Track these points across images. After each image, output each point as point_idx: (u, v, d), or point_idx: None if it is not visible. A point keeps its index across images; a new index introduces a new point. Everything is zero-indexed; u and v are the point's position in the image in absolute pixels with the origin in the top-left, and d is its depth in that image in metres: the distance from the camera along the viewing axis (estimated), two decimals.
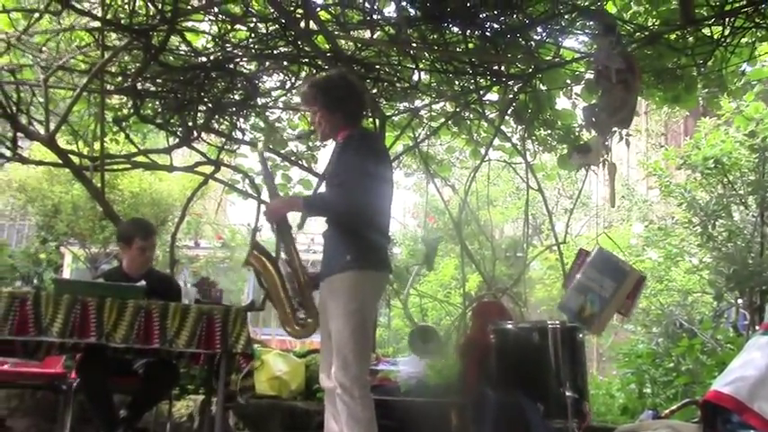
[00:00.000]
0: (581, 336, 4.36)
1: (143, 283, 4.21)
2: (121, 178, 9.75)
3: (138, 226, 4.85)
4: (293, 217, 3.65)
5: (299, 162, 6.72)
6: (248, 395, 3.96)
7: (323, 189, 3.79)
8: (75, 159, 5.97)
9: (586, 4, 4.87)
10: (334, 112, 3.49)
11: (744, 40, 4.75)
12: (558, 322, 4.29)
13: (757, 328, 4.68)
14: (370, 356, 3.42)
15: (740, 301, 6.69)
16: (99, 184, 5.76)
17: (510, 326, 4.44)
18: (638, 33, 4.86)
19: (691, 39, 4.76)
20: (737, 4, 4.40)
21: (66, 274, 11.96)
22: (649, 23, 4.84)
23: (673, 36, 4.74)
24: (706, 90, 5.35)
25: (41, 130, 5.56)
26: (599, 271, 4.07)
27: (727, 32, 4.60)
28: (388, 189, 3.50)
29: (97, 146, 5.84)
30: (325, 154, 7.04)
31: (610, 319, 4.09)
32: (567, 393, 3.93)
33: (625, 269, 4.17)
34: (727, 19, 4.50)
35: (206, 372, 4.63)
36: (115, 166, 6.91)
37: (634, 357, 6.45)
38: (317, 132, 3.64)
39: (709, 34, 4.75)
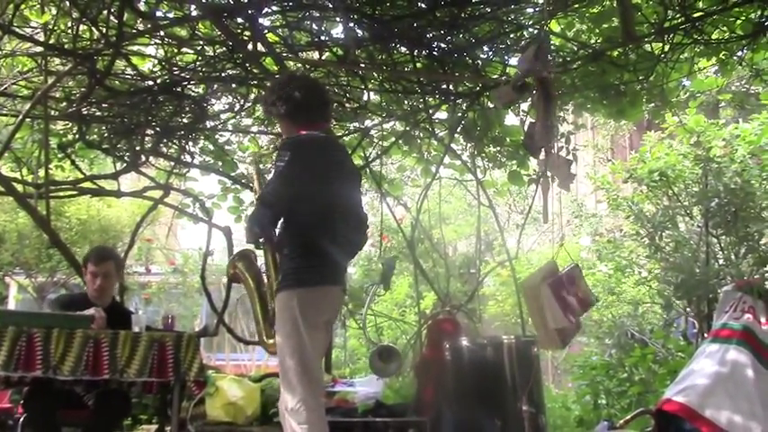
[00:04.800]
0: (535, 350, 4.40)
1: (92, 311, 4.11)
2: (68, 205, 9.56)
3: (93, 251, 4.73)
4: None
5: (251, 185, 6.67)
6: (199, 423, 3.89)
7: None
8: (19, 187, 5.83)
9: (530, 23, 4.96)
10: (282, 118, 3.41)
11: (683, 56, 4.89)
12: (512, 337, 4.33)
13: (706, 335, 4.78)
14: (318, 377, 3.30)
15: (689, 309, 6.82)
16: (44, 212, 5.63)
17: (465, 342, 4.45)
18: (581, 51, 4.97)
19: (633, 55, 4.87)
20: (676, 21, 4.53)
21: (12, 304, 11.64)
22: (592, 41, 4.95)
23: (615, 53, 4.85)
24: (652, 104, 5.48)
25: None
26: None
27: (667, 48, 4.73)
28: (336, 196, 3.28)
29: (42, 173, 5.71)
30: None
31: (551, 330, 4.06)
32: (524, 408, 3.96)
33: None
34: (666, 35, 4.63)
35: (159, 400, 4.53)
36: (61, 193, 6.78)
37: (588, 369, 6.52)
38: None
39: (650, 50, 4.88)
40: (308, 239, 3.19)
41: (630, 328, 7.22)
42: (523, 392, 4.11)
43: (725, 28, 4.67)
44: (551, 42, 4.40)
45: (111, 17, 4.52)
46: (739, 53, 4.97)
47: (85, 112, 5.75)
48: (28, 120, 5.54)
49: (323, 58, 5.33)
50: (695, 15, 4.47)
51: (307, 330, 3.11)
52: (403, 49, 5.22)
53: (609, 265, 8.12)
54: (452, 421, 4.27)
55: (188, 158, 6.56)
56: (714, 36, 4.72)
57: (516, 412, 4.07)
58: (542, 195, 3.82)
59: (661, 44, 4.74)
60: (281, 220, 3.22)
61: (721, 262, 6.42)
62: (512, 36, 5.06)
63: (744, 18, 4.54)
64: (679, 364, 5.24)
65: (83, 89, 5.46)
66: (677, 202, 6.70)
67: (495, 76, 5.32)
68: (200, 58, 5.39)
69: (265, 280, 3.46)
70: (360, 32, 5.02)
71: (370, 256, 9.89)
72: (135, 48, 5.38)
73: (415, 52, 5.14)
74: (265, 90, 3.51)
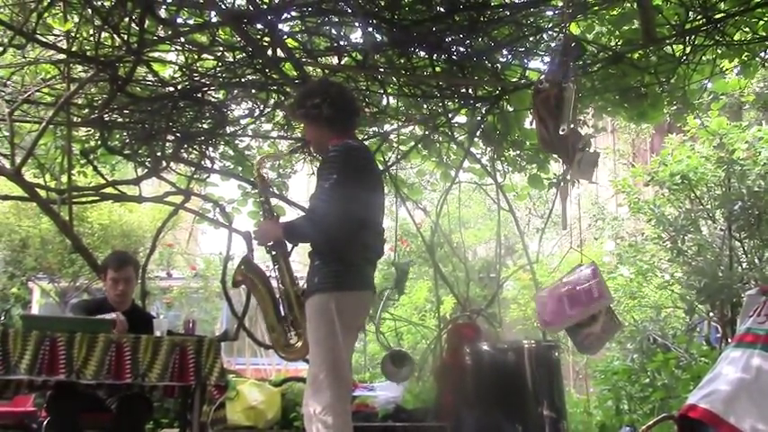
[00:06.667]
0: (557, 354, 4.38)
1: (113, 315, 4.14)
2: (90, 210, 9.64)
3: (112, 256, 4.80)
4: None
5: (270, 189, 6.69)
6: (220, 427, 3.89)
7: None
8: (43, 193, 5.89)
9: (550, 25, 4.94)
10: (317, 123, 3.36)
11: (705, 57, 4.85)
12: (533, 342, 4.30)
13: (730, 340, 4.72)
14: (348, 382, 3.28)
15: (712, 314, 6.75)
16: (67, 217, 5.68)
17: (486, 347, 4.43)
18: (601, 53, 4.94)
19: (653, 57, 4.84)
20: (697, 23, 4.49)
21: (35, 309, 11.76)
22: (612, 43, 4.92)
23: (636, 55, 4.82)
24: (675, 106, 5.43)
25: (7, 165, 5.49)
26: None
27: (688, 50, 4.69)
28: (372, 206, 3.35)
29: (64, 179, 5.77)
30: (296, 181, 7.05)
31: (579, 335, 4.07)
32: (545, 413, 3.94)
33: None
34: (687, 37, 4.59)
35: (180, 404, 4.55)
36: (83, 199, 6.84)
37: (610, 374, 6.46)
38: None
39: (671, 52, 4.84)
40: (349, 245, 3.20)
41: (653, 333, 7.14)
42: (544, 397, 4.09)
43: (747, 29, 4.62)
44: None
45: (133, 24, 4.56)
46: (762, 54, 4.92)
47: (107, 119, 5.80)
48: (51, 126, 5.60)
49: (342, 62, 5.34)
50: (717, 16, 4.43)
51: (342, 333, 3.12)
52: (422, 54, 5.21)
53: (630, 269, 8.05)
54: (473, 426, 4.25)
55: (208, 164, 6.59)
56: (736, 37, 4.67)
57: (537, 417, 4.04)
58: (561, 201, 3.80)
59: (682, 46, 4.70)
60: (320, 224, 3.19)
61: (745, 266, 6.36)
62: (531, 39, 5.04)
63: (766, 19, 4.49)
64: (702, 369, 5.18)
65: (105, 96, 5.52)
66: (699, 206, 6.64)
67: (514, 80, 5.30)
68: (220, 63, 5.42)
69: (277, 286, 3.46)
70: (379, 37, 5.02)
71: (389, 261, 9.91)
72: (156, 54, 5.42)
73: (434, 56, 5.13)
74: (296, 93, 3.49)
